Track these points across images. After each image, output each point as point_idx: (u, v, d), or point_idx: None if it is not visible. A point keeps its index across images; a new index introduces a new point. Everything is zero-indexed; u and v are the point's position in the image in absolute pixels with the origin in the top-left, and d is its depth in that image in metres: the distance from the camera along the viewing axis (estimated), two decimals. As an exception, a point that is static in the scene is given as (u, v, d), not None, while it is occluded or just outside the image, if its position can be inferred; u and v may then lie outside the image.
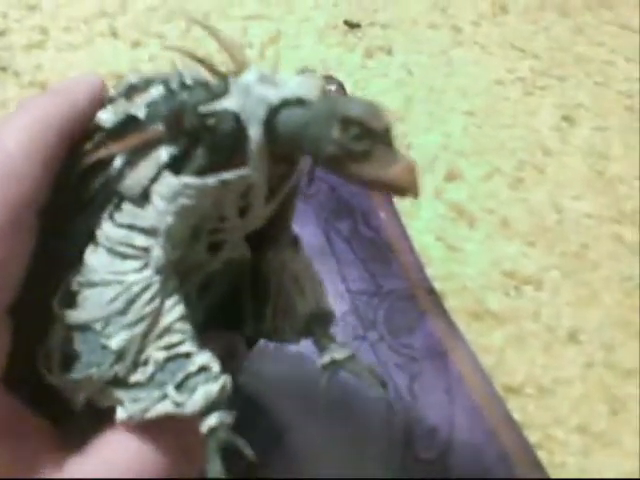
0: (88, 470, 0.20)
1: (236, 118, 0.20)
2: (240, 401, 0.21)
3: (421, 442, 0.31)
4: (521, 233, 0.42)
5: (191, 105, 0.20)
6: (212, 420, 0.20)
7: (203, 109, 0.20)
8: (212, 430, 0.20)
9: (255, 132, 0.20)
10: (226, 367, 0.22)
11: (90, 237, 0.21)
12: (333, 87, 0.42)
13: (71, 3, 0.50)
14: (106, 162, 0.21)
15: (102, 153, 0.21)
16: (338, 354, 0.25)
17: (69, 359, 0.21)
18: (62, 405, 0.22)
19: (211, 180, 0.20)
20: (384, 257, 0.39)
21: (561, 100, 0.52)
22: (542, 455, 0.32)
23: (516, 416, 0.33)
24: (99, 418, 0.21)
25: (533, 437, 0.33)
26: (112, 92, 0.23)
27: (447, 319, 0.36)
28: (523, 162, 0.46)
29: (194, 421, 0.20)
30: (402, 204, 0.41)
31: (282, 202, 0.23)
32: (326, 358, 0.25)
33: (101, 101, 0.22)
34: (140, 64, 0.48)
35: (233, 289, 0.26)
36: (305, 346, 0.31)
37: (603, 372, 0.37)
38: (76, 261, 0.21)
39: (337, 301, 0.36)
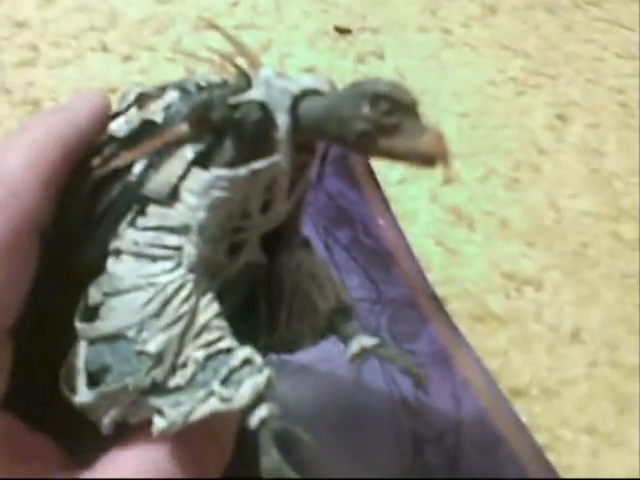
0: None
1: (263, 108, 0.20)
2: None
3: (430, 448, 0.31)
4: (520, 234, 0.42)
5: (219, 98, 0.20)
6: (262, 412, 0.19)
7: (231, 100, 0.20)
8: (264, 422, 0.19)
9: (283, 119, 0.20)
10: None
11: (106, 249, 0.21)
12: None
13: (60, 19, 0.50)
14: (121, 171, 0.21)
15: (118, 162, 0.21)
16: (367, 342, 0.24)
17: (98, 374, 0.20)
18: (68, 425, 0.21)
19: (242, 170, 0.20)
20: (384, 264, 0.39)
21: (554, 98, 0.52)
22: (550, 457, 0.32)
23: (523, 419, 0.33)
24: (107, 435, 0.21)
25: (541, 439, 0.33)
26: (116, 106, 0.23)
27: (450, 324, 0.36)
28: (519, 162, 0.46)
29: (200, 427, 0.20)
30: (399, 209, 0.42)
31: (294, 202, 0.23)
32: (355, 347, 0.24)
33: (104, 117, 0.22)
34: (131, 77, 0.48)
35: (246, 299, 0.25)
36: (307, 357, 0.31)
37: (608, 371, 0.36)
38: (93, 274, 0.21)
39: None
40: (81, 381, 0.21)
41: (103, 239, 0.21)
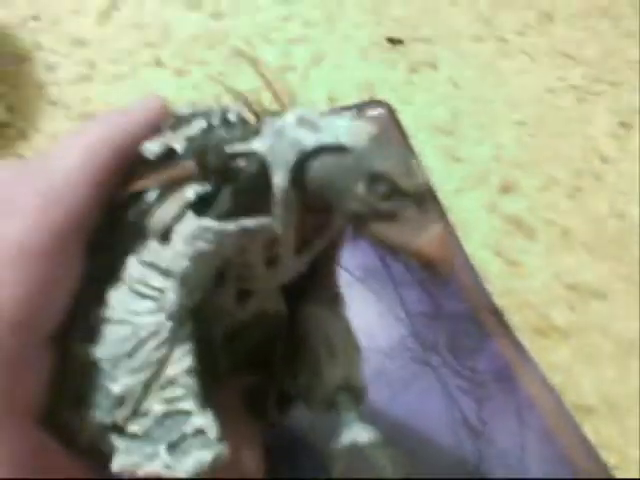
0: None
1: (261, 162, 0.18)
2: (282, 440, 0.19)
3: (493, 468, 0.30)
4: (583, 243, 0.41)
5: (214, 144, 0.19)
6: None
7: (228, 149, 0.19)
8: None
9: (280, 178, 0.18)
10: (251, 413, 0.22)
11: (113, 271, 0.20)
12: (382, 110, 0.42)
13: (116, 36, 0.51)
14: (139, 196, 0.20)
15: (138, 185, 0.20)
16: (361, 437, 0.20)
17: (79, 397, 0.20)
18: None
19: (230, 226, 0.19)
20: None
21: (616, 106, 0.50)
22: (618, 475, 0.30)
23: (589, 436, 0.31)
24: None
25: (609, 459, 0.31)
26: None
27: (513, 340, 0.34)
28: (580, 171, 0.45)
29: None
30: (456, 219, 0.40)
31: (321, 256, 0.22)
32: (345, 438, 0.21)
33: (160, 124, 0.21)
34: (185, 91, 0.48)
35: (269, 339, 0.24)
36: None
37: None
38: (102, 294, 0.20)
39: (396, 324, 0.35)
40: (66, 399, 0.20)
41: (115, 261, 0.20)
